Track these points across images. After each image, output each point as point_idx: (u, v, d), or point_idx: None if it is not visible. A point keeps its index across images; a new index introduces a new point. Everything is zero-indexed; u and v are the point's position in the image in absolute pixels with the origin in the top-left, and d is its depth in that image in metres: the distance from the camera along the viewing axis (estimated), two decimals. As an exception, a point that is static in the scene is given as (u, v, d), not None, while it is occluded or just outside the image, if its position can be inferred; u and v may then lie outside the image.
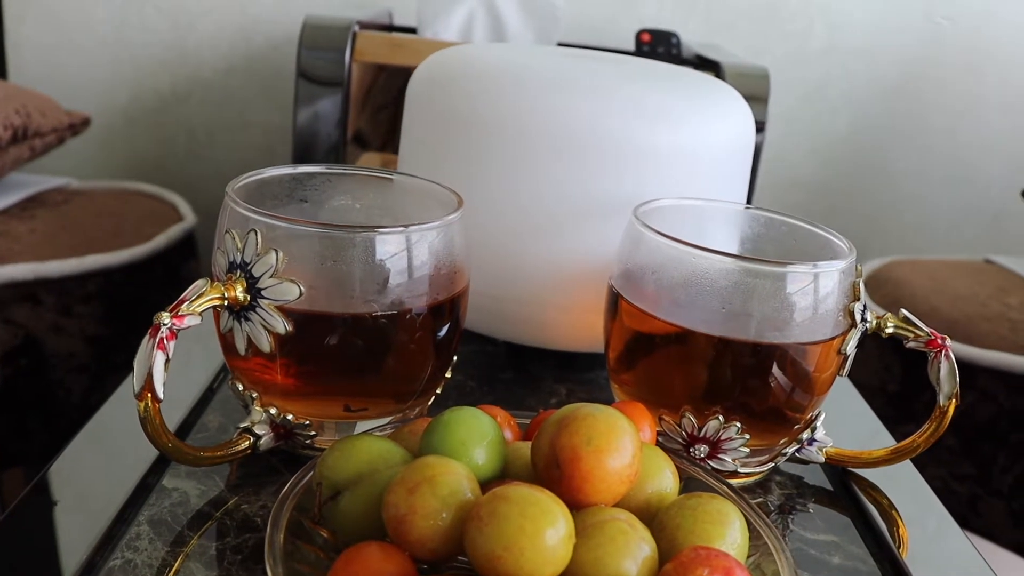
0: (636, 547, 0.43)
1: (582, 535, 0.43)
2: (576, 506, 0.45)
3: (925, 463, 1.27)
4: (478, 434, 0.47)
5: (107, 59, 1.72)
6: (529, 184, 0.68)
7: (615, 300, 0.61)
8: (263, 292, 0.52)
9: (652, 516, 0.48)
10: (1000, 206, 1.80)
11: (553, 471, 0.45)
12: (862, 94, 1.75)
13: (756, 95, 1.27)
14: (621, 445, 0.45)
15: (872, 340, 1.34)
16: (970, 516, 1.28)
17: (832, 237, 0.62)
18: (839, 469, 0.65)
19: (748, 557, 0.48)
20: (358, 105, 1.37)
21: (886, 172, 1.80)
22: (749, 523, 0.49)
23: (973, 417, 1.24)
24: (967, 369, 1.24)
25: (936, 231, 1.83)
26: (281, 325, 0.52)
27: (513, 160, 0.68)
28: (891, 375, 1.30)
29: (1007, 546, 1.27)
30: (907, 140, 1.78)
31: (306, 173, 0.63)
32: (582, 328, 0.70)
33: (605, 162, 0.67)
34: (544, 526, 0.40)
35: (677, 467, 0.52)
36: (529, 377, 0.74)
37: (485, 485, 0.45)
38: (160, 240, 1.33)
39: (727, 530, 0.46)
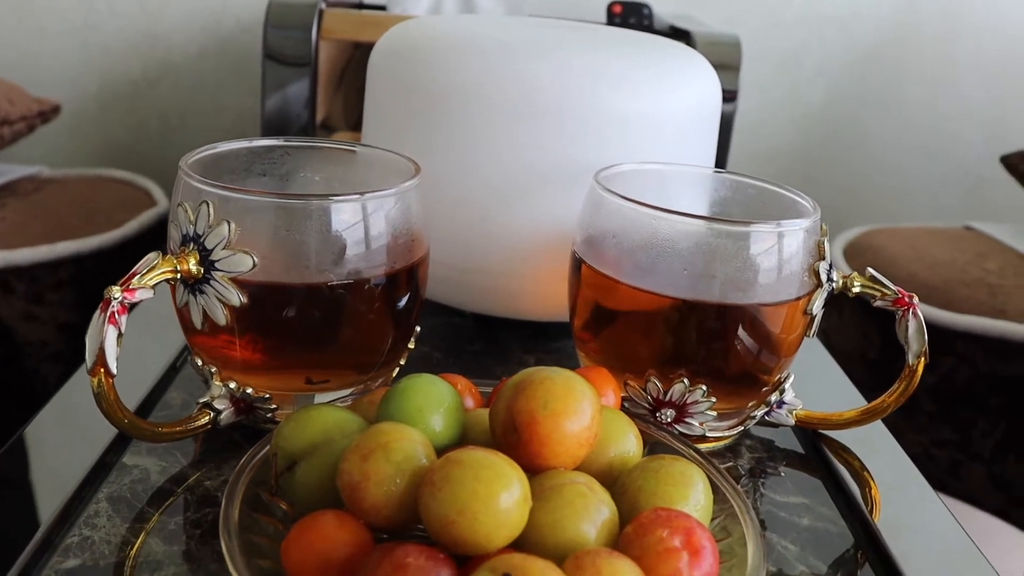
0: (595, 510, 0.42)
1: (539, 499, 0.42)
2: (535, 470, 0.44)
3: (905, 430, 1.27)
4: (435, 400, 0.46)
5: (76, 45, 1.71)
6: (492, 152, 0.67)
7: (578, 266, 0.60)
8: (216, 264, 0.51)
9: (614, 480, 0.47)
10: (979, 173, 1.79)
11: (511, 436, 0.44)
12: (838, 63, 1.74)
13: (727, 63, 1.26)
14: (579, 408, 0.44)
15: (849, 307, 1.34)
16: (951, 481, 1.28)
17: (798, 198, 0.61)
18: (810, 432, 0.64)
19: (713, 519, 0.48)
20: (329, 85, 1.35)
21: (863, 141, 1.79)
22: (714, 485, 0.48)
23: (952, 382, 1.24)
24: (946, 335, 1.24)
25: (914, 200, 1.82)
26: (236, 297, 0.51)
27: (475, 128, 0.67)
28: (869, 342, 1.30)
29: (989, 510, 1.27)
30: (884, 109, 1.77)
31: (264, 147, 0.62)
32: (549, 297, 0.69)
33: (567, 128, 0.66)
34: (498, 489, 0.39)
35: (643, 432, 0.52)
36: (497, 348, 0.73)
37: (443, 452, 0.44)
38: (132, 226, 1.32)
39: (690, 492, 0.45)
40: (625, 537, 0.42)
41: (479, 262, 0.69)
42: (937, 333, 1.24)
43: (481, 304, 0.72)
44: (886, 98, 1.76)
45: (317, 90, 1.25)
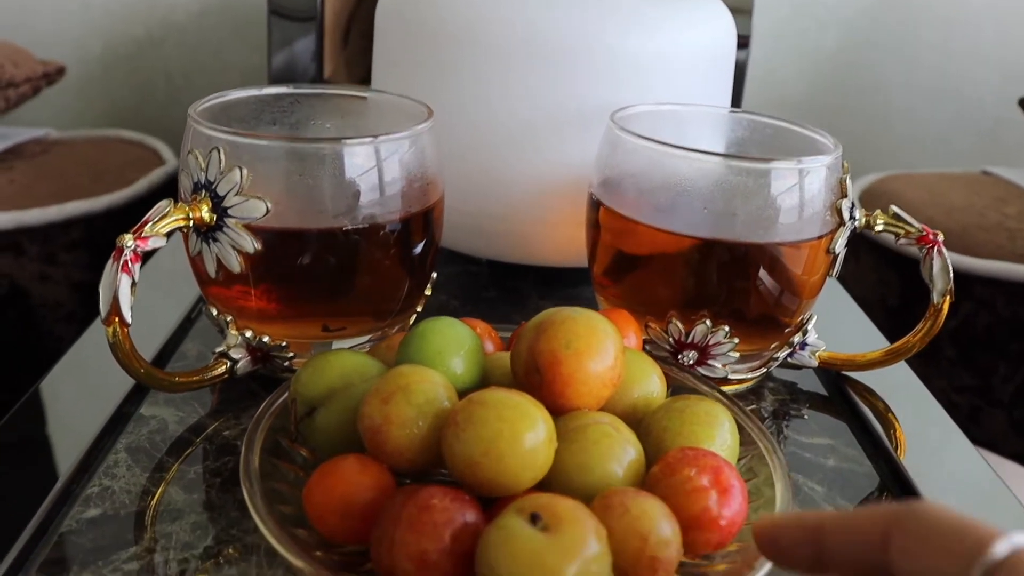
0: (621, 450, 0.42)
1: (564, 440, 0.41)
2: (558, 411, 0.43)
3: (924, 376, 1.26)
4: (455, 343, 0.46)
5: (78, 6, 1.69)
6: (504, 95, 0.66)
7: (596, 209, 0.59)
8: (229, 211, 0.50)
9: (639, 421, 0.46)
10: (996, 116, 1.77)
11: (533, 376, 0.44)
12: (850, 7, 1.71)
13: (741, 7, 1.23)
14: (602, 347, 0.43)
15: (867, 254, 1.33)
16: (971, 427, 1.27)
17: (818, 136, 0.60)
18: (833, 374, 0.64)
19: (739, 460, 0.47)
20: (335, 40, 1.33)
21: (877, 87, 1.77)
22: (740, 426, 0.47)
23: (972, 328, 1.23)
24: (965, 279, 1.22)
25: (929, 145, 1.80)
26: (250, 244, 0.51)
27: (487, 71, 0.66)
28: (888, 288, 1.29)
29: (1009, 456, 1.26)
30: (897, 53, 1.75)
31: (273, 95, 0.61)
32: (565, 242, 0.68)
33: (581, 69, 0.65)
34: (523, 429, 0.38)
35: (666, 375, 0.51)
36: (513, 294, 0.72)
37: (464, 395, 0.44)
38: (142, 184, 1.31)
39: (716, 431, 0.45)
40: (652, 477, 0.41)
41: (494, 207, 0.68)
42: (956, 278, 1.22)
43: (496, 250, 0.71)
44: (900, 42, 1.73)
45: (324, 44, 1.23)
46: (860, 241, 1.34)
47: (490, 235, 0.70)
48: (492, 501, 0.40)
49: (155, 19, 1.70)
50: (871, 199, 1.42)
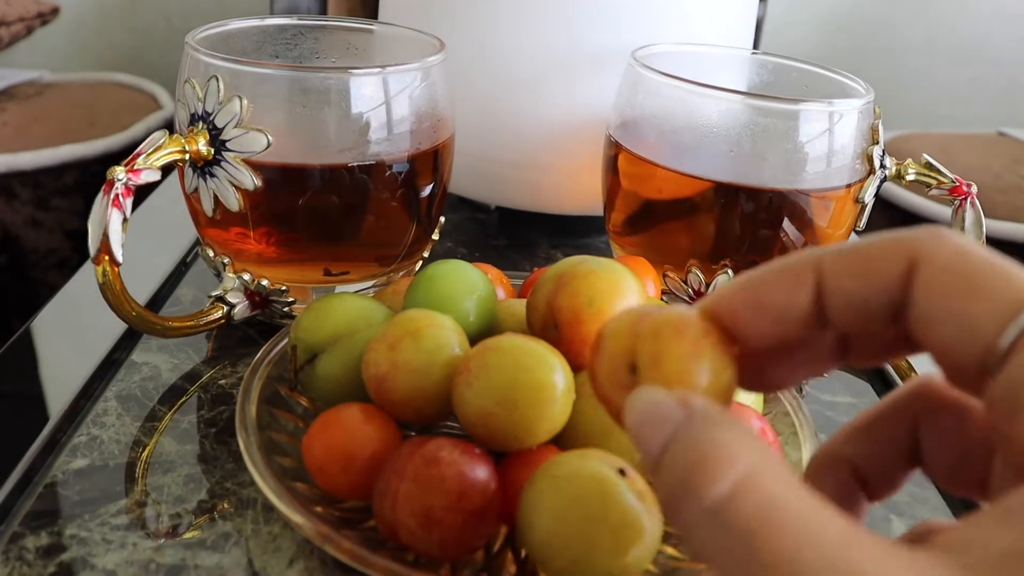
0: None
1: (591, 400, 0.38)
2: (575, 369, 0.41)
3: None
4: (466, 287, 0.43)
5: (75, -56, 1.65)
6: (517, 35, 0.62)
7: (614, 152, 0.56)
8: (227, 144, 0.47)
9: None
10: (1012, 76, 1.73)
11: (550, 332, 0.41)
12: (867, -37, 1.67)
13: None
14: (626, 305, 0.40)
15: (880, 212, 1.29)
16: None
17: (848, 80, 0.57)
18: (855, 331, 0.61)
19: (765, 415, 0.44)
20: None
21: (892, 45, 1.73)
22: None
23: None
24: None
25: (944, 106, 1.77)
26: (249, 180, 0.48)
27: (499, 9, 0.62)
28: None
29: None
30: (913, 11, 1.71)
31: (276, 26, 0.58)
32: (578, 189, 0.65)
33: (598, 7, 0.61)
34: (541, 377, 0.36)
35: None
36: (523, 243, 0.69)
37: (475, 343, 0.41)
38: (138, 129, 1.28)
39: (741, 386, 0.42)
40: None
41: (505, 152, 0.65)
42: (970, 239, 1.20)
43: (507, 197, 0.68)
44: (917, 2, 1.69)
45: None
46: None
47: (500, 181, 0.67)
48: (503, 456, 0.37)
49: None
50: (885, 157, 1.39)
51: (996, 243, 1.19)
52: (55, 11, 1.43)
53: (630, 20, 0.62)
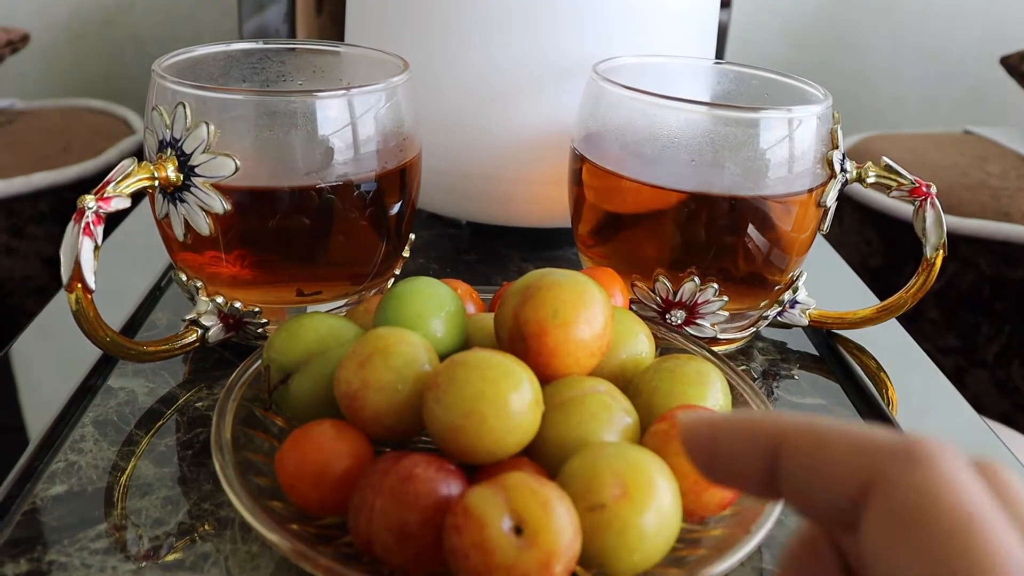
0: (619, 420, 0.40)
1: (560, 410, 0.39)
2: (543, 380, 0.41)
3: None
4: (435, 304, 0.44)
5: (43, -28, 1.65)
6: (482, 50, 0.63)
7: (579, 165, 0.57)
8: (196, 169, 0.48)
9: (627, 382, 0.45)
10: (977, 75, 1.75)
11: (518, 345, 0.41)
12: (831, -33, 1.69)
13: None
14: (590, 316, 0.41)
15: (850, 215, 1.31)
16: (956, 388, 1.27)
17: (807, 87, 0.58)
18: (823, 333, 0.62)
19: (731, 420, 0.45)
20: (309, 3, 1.30)
21: (857, 47, 1.75)
22: (731, 385, 0.46)
23: (956, 288, 1.22)
24: (949, 239, 1.21)
25: (912, 105, 1.79)
26: (219, 204, 0.48)
27: (464, 25, 0.63)
28: (872, 250, 1.28)
29: (993, 416, 1.26)
30: (878, 11, 1.73)
31: (242, 50, 0.59)
32: (547, 201, 0.66)
33: (561, 21, 0.62)
34: (507, 390, 0.36)
35: (653, 335, 0.49)
36: (495, 257, 0.70)
37: (445, 359, 0.42)
38: (112, 154, 1.28)
39: (708, 391, 0.43)
40: (660, 436, 0.39)
41: (473, 167, 0.66)
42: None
43: (477, 212, 0.69)
44: (882, 1, 1.71)
45: (296, 7, 1.20)
46: (844, 202, 1.32)
47: (470, 196, 0.68)
48: (476, 470, 0.38)
49: (123, -16, 1.66)
50: (854, 159, 1.41)
51: (963, 239, 1.20)
52: (25, 38, 1.43)
53: (594, 33, 0.63)
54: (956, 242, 1.20)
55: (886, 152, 1.39)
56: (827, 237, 1.40)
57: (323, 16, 1.39)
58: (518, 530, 0.32)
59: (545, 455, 0.39)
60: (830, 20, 1.71)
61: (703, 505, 0.39)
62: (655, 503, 0.35)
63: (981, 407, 1.26)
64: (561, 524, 0.33)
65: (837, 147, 0.55)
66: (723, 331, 0.56)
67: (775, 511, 0.39)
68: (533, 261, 0.70)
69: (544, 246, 0.72)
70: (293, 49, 0.60)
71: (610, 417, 0.39)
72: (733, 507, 0.40)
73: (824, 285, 0.65)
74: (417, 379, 0.39)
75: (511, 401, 0.36)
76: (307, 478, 0.38)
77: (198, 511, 0.43)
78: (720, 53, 1.21)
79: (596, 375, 0.43)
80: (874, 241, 1.26)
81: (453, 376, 0.37)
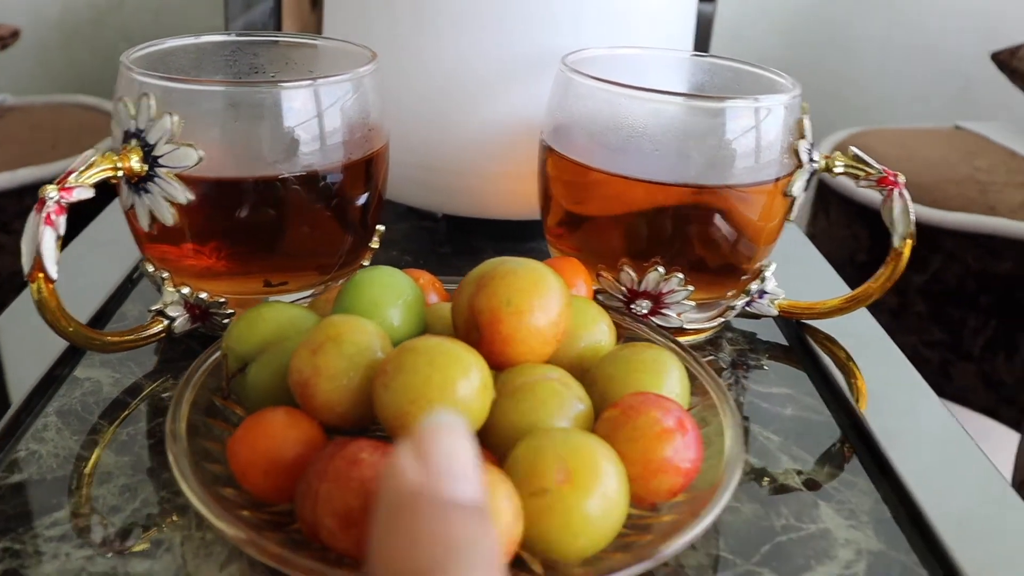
0: (570, 407, 0.40)
1: (512, 397, 0.39)
2: (498, 368, 0.42)
3: (894, 331, 1.25)
4: (392, 293, 0.44)
5: (35, -32, 1.65)
6: (454, 42, 0.63)
7: (546, 156, 0.57)
8: (160, 160, 0.48)
9: (585, 371, 0.45)
10: (969, 72, 1.75)
11: (473, 333, 0.42)
12: (823, -38, 1.69)
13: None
14: (545, 304, 0.41)
15: (837, 209, 1.31)
16: (942, 382, 1.27)
17: (777, 76, 0.58)
18: (794, 324, 0.62)
19: (690, 409, 0.45)
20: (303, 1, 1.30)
21: (850, 44, 1.75)
22: (692, 374, 0.46)
23: (942, 281, 1.22)
24: (935, 233, 1.21)
25: (904, 103, 1.79)
26: (182, 194, 0.48)
27: (434, 17, 0.63)
28: (859, 244, 1.28)
29: (980, 410, 1.26)
30: (870, 9, 1.72)
31: (214, 43, 0.59)
32: (520, 194, 0.66)
33: (532, 16, 0.62)
34: (454, 376, 0.36)
35: (618, 326, 0.49)
36: (469, 249, 0.70)
37: (401, 346, 0.42)
38: (99, 149, 1.28)
39: (664, 379, 0.43)
40: (609, 422, 0.39)
41: (447, 160, 0.66)
42: (927, 231, 1.22)
43: (451, 205, 0.69)
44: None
45: (282, 4, 1.20)
46: (831, 197, 1.32)
47: (444, 189, 0.68)
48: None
49: (113, -19, 1.66)
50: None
51: (949, 234, 1.20)
52: (15, 34, 1.44)
53: (567, 26, 0.63)
54: (942, 236, 1.20)
55: (875, 146, 1.39)
56: (816, 232, 1.40)
57: (318, 9, 1.38)
58: (458, 514, 0.33)
59: (496, 442, 0.39)
60: (821, 18, 1.71)
61: (653, 491, 0.39)
62: (600, 488, 0.35)
63: (968, 400, 1.26)
64: (499, 508, 0.33)
65: (804, 137, 0.55)
66: (690, 321, 0.56)
67: (724, 497, 0.39)
68: (507, 253, 0.69)
69: (520, 238, 0.72)
70: (266, 42, 0.60)
71: (561, 404, 0.39)
72: (685, 493, 0.40)
73: (798, 276, 0.65)
74: (369, 366, 0.39)
75: (458, 387, 0.36)
76: (258, 465, 0.38)
77: (155, 498, 0.43)
78: (705, 48, 1.21)
79: (554, 363, 0.43)
80: (861, 236, 1.26)
81: (401, 363, 0.37)
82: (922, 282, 1.22)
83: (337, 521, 0.35)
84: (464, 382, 0.37)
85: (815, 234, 1.39)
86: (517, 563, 0.36)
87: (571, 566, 0.36)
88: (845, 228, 1.30)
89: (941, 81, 1.76)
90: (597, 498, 0.35)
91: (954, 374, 1.26)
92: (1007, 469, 0.97)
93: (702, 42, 1.01)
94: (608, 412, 0.40)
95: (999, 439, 1.25)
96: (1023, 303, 1.19)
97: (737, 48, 1.68)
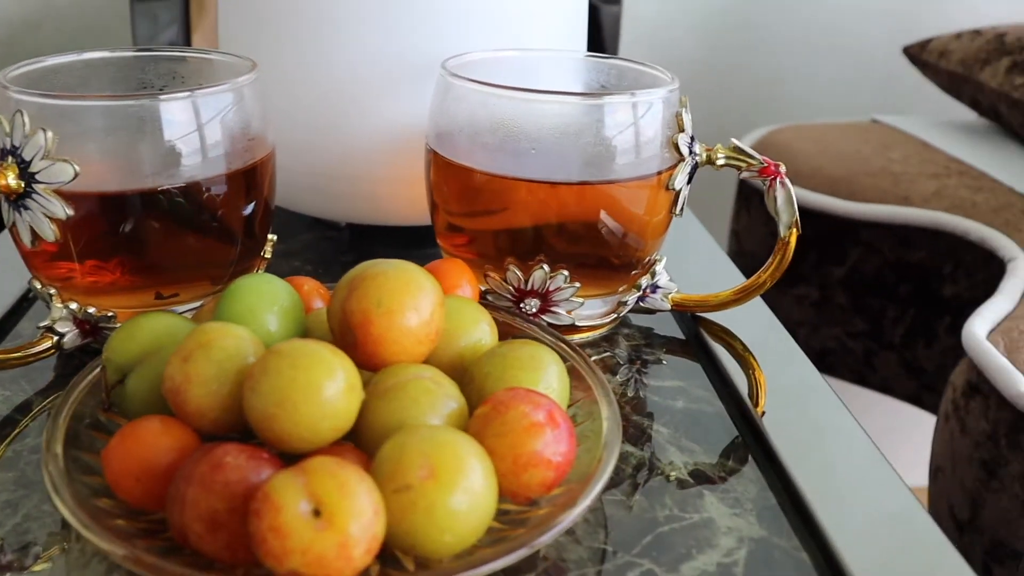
0: (442, 404, 0.40)
1: (383, 397, 0.40)
2: (372, 370, 0.42)
3: (818, 324, 1.27)
4: (268, 300, 0.44)
5: (-53, -9, 1.63)
6: (340, 49, 0.63)
7: (430, 159, 0.58)
8: (36, 176, 0.48)
9: (465, 370, 0.45)
10: (887, 69, 1.78)
11: (347, 335, 0.42)
12: (738, -36, 1.71)
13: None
14: (416, 303, 0.42)
15: (757, 207, 1.33)
16: (867, 372, 1.29)
17: (658, 72, 0.59)
18: (690, 317, 0.63)
19: (571, 404, 0.46)
20: (204, 13, 1.30)
21: (768, 45, 1.77)
22: (573, 369, 0.47)
23: (861, 273, 1.24)
24: (852, 225, 1.23)
25: (825, 102, 1.81)
26: (61, 209, 0.48)
27: (316, 24, 0.63)
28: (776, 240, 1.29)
29: (904, 398, 1.28)
30: (788, 9, 1.75)
31: (101, 59, 0.59)
32: (417, 200, 0.67)
33: (417, 18, 0.63)
34: (319, 377, 0.37)
35: (508, 326, 0.50)
36: (372, 256, 0.70)
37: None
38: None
39: (540, 375, 0.44)
40: (479, 419, 0.40)
41: (341, 168, 0.66)
42: (844, 224, 1.24)
43: (352, 213, 0.70)
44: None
45: (189, 20, 1.20)
46: (751, 193, 1.34)
47: (343, 197, 0.68)
48: (296, 459, 0.39)
49: (31, 2, 1.64)
50: (759, 150, 1.42)
51: (864, 225, 1.22)
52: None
53: (453, 29, 0.64)
54: (858, 228, 1.22)
55: (792, 142, 1.41)
56: (737, 230, 1.42)
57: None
58: (317, 513, 0.33)
59: (368, 441, 0.39)
60: (739, 20, 1.73)
61: (525, 485, 0.39)
62: (464, 483, 0.36)
63: (892, 389, 1.28)
64: (359, 506, 0.33)
65: (683, 130, 0.56)
66: (583, 319, 0.57)
67: (597, 488, 0.39)
68: (408, 259, 0.70)
69: (424, 244, 0.72)
70: (153, 56, 0.60)
71: (432, 402, 0.40)
72: (561, 487, 0.41)
73: (692, 268, 0.66)
74: (239, 372, 0.39)
75: (324, 388, 0.37)
76: (131, 473, 0.38)
77: (37, 512, 0.43)
78: (614, 49, 1.22)
79: (434, 363, 0.44)
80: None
81: (266, 366, 0.37)
82: (842, 274, 1.24)
83: (203, 525, 0.35)
84: (330, 383, 0.37)
85: (738, 231, 1.41)
86: (390, 560, 0.37)
87: (442, 562, 0.37)
88: (764, 225, 1.32)
89: (861, 78, 1.80)
90: (461, 493, 0.35)
91: (877, 364, 1.28)
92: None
93: (610, 43, 1.01)
94: (480, 409, 0.40)
95: (920, 424, 1.28)
96: (938, 291, 1.22)
97: (657, 51, 1.70)
